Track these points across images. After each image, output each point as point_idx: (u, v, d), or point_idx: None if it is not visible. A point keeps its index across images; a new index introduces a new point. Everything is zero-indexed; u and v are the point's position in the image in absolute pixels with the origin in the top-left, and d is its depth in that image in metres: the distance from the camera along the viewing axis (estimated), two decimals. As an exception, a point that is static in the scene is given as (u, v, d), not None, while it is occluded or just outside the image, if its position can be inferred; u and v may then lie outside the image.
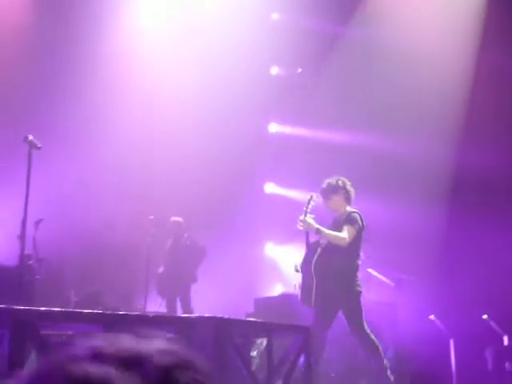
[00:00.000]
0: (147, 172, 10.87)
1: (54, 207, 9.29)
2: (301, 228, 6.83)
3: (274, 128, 12.78)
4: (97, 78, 10.56)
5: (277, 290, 10.71)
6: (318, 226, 6.75)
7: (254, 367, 5.67)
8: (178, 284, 10.18)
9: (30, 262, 7.53)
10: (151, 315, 4.84)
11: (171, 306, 10.24)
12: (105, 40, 10.77)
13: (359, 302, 6.84)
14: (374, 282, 9.82)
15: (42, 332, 4.39)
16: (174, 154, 10.88)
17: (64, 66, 10.47)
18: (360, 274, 9.77)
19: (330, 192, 7.05)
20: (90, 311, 4.62)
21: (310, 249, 6.86)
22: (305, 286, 6.81)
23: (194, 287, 10.36)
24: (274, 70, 12.65)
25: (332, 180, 7.15)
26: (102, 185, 10.65)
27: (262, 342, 5.83)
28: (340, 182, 7.13)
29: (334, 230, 6.82)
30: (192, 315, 4.84)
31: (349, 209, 7.06)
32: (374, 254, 9.91)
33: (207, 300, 10.00)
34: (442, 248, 10.40)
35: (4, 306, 4.38)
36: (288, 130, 12.55)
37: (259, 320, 6.11)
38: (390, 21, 11.28)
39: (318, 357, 6.47)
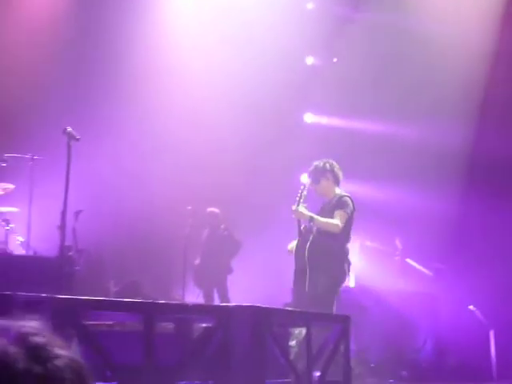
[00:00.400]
0: (184, 160, 10.90)
1: (93, 198, 9.40)
2: (294, 217, 6.81)
3: (309, 118, 12.72)
4: (132, 65, 10.63)
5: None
6: (310, 214, 6.72)
7: (292, 357, 5.66)
8: (215, 275, 10.23)
9: (70, 253, 7.62)
10: (190, 304, 4.86)
11: (208, 296, 10.29)
12: (140, 28, 10.82)
13: (336, 286, 6.79)
14: (412, 273, 9.75)
15: (83, 321, 4.44)
16: (210, 142, 10.89)
17: (99, 55, 10.56)
18: (398, 265, 9.72)
19: (318, 175, 6.97)
20: (131, 300, 4.65)
21: (303, 236, 6.82)
22: (299, 271, 6.80)
23: (231, 278, 10.39)
24: (310, 60, 12.59)
25: (319, 163, 7.05)
26: (141, 175, 10.73)
27: (301, 331, 5.82)
28: (328, 165, 7.02)
29: (324, 215, 6.77)
30: (230, 304, 4.85)
31: (338, 192, 6.96)
32: (412, 243, 9.84)
33: (244, 290, 10.02)
34: (481, 237, 10.27)
35: (45, 295, 4.44)
36: (324, 120, 12.48)
37: (298, 309, 6.10)
38: (418, 6, 11.17)
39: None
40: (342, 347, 5.52)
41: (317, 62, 12.55)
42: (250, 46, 11.14)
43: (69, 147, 6.10)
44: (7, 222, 8.34)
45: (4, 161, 8.52)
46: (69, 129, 6.14)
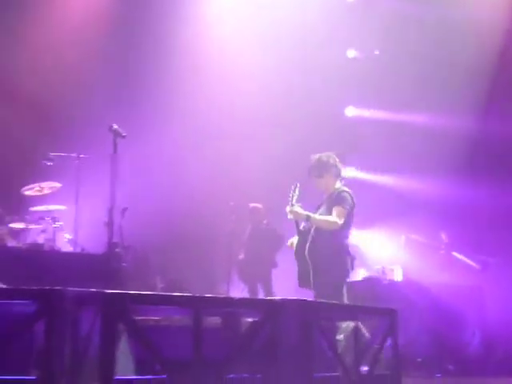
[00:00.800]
0: (226, 156, 10.94)
1: (137, 195, 9.50)
2: (290, 217, 6.66)
3: (351, 112, 12.66)
4: (175, 61, 10.68)
5: (360, 274, 10.64)
6: (307, 213, 6.58)
7: (339, 350, 5.65)
8: (259, 270, 10.26)
9: (117, 250, 7.71)
10: (237, 298, 4.89)
11: (253, 291, 10.33)
12: (182, 24, 10.87)
13: (341, 283, 6.65)
14: (459, 266, 9.64)
15: (132, 316, 4.49)
16: (251, 137, 10.89)
17: (142, 52, 10.64)
18: (444, 258, 9.61)
19: (322, 170, 6.81)
20: (179, 294, 4.69)
21: (302, 235, 6.68)
22: (302, 271, 6.65)
23: (275, 272, 10.41)
24: (351, 53, 12.52)
25: (323, 156, 6.90)
26: (184, 171, 10.80)
27: (348, 325, 5.80)
28: (331, 160, 6.88)
29: (325, 211, 6.65)
30: (277, 298, 4.86)
31: (338, 187, 6.80)
32: (459, 236, 9.73)
33: (288, 285, 10.02)
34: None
35: (95, 290, 4.50)
36: (366, 113, 12.41)
37: (344, 303, 6.08)
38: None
39: None
40: (389, 341, 5.48)
41: (358, 54, 12.47)
42: (289, 40, 11.12)
43: (115, 144, 6.17)
44: (55, 219, 8.50)
45: (50, 160, 8.67)
46: (115, 126, 6.20)
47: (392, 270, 9.27)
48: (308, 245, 6.62)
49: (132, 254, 8.65)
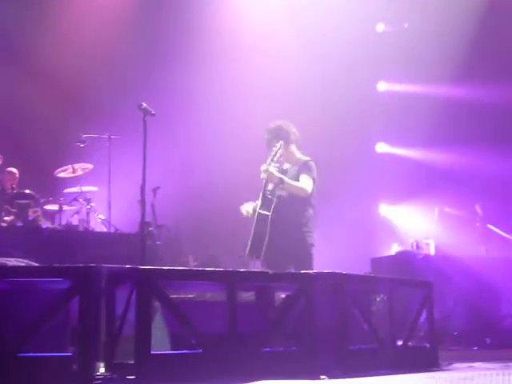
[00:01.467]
0: (257, 133, 10.87)
1: (168, 174, 9.52)
2: (263, 177, 6.36)
3: (383, 86, 12.53)
4: (206, 41, 10.60)
5: (393, 249, 10.58)
6: (280, 175, 6.35)
7: (374, 323, 5.61)
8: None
9: (150, 229, 7.76)
10: (271, 272, 4.88)
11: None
12: (213, 6, 10.81)
13: (310, 255, 6.46)
14: (494, 238, 9.53)
15: (167, 292, 4.51)
16: (283, 116, 10.80)
17: (174, 33, 10.59)
18: (479, 231, 9.49)
19: (285, 138, 6.52)
20: (213, 269, 4.70)
21: (266, 202, 6.36)
22: (256, 238, 6.32)
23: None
24: (380, 27, 12.37)
25: (283, 125, 6.62)
26: (215, 149, 10.78)
27: (383, 298, 5.75)
28: (292, 127, 6.64)
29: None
30: (311, 271, 4.85)
31: (300, 156, 6.58)
32: (494, 209, 9.61)
33: (322, 262, 9.99)
34: None
35: (129, 266, 4.53)
36: (397, 87, 12.27)
37: (379, 275, 6.04)
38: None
39: None
40: (425, 313, 5.44)
41: (387, 28, 12.31)
42: (319, 17, 11.00)
43: (144, 123, 6.17)
44: (88, 201, 8.57)
45: (82, 142, 8.73)
46: (144, 104, 6.20)
47: (426, 244, 9.19)
48: (273, 208, 6.30)
49: (165, 232, 8.70)
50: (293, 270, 5.94)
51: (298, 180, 6.41)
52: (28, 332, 4.17)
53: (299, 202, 6.41)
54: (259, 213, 6.34)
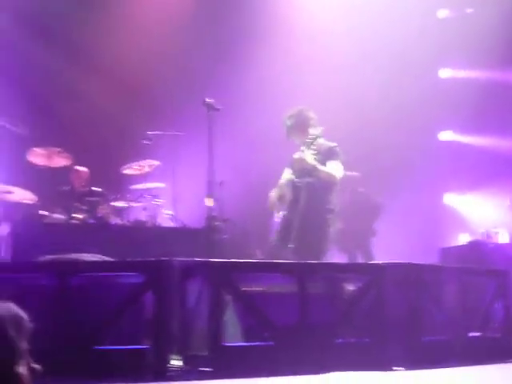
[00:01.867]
0: (322, 121, 10.80)
1: (235, 168, 9.55)
2: (297, 161, 6.22)
3: (445, 73, 12.31)
4: (269, 34, 10.53)
5: (461, 239, 10.40)
6: (314, 162, 6.16)
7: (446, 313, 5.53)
8: (359, 239, 10.17)
9: (217, 223, 7.80)
10: (343, 263, 4.87)
11: (353, 260, 10.25)
12: (280, 5, 10.77)
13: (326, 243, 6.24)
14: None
15: (238, 285, 4.55)
16: (348, 103, 10.70)
17: (241, 30, 10.57)
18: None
19: (308, 123, 6.39)
20: (284, 261, 4.71)
21: (295, 190, 6.24)
22: (284, 227, 6.21)
23: (374, 241, 10.30)
24: (442, 13, 12.15)
25: (303, 110, 6.49)
26: (280, 141, 10.73)
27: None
28: (311, 113, 6.48)
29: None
30: (382, 262, 4.80)
31: (322, 141, 6.36)
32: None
33: (388, 252, 9.90)
34: None
35: (200, 260, 4.59)
36: (461, 74, 12.03)
37: (451, 265, 5.95)
38: None
39: None
40: (499, 303, 5.33)
41: (450, 14, 12.09)
42: (380, 5, 10.87)
43: (209, 118, 6.20)
44: (155, 197, 8.67)
45: (149, 139, 8.83)
46: (208, 100, 6.23)
47: (497, 233, 9.00)
48: (305, 196, 6.15)
49: (231, 226, 8.73)
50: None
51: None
52: (104, 325, 4.27)
53: (328, 188, 6.30)
54: (290, 204, 6.26)
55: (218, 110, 6.29)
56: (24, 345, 2.16)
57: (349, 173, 10.35)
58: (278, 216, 6.45)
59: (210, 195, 6.31)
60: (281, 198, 6.44)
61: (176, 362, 4.55)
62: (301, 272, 4.53)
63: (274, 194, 6.52)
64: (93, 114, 10.33)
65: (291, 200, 6.29)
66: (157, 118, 9.91)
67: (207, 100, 6.27)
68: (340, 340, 4.70)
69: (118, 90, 10.38)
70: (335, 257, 9.93)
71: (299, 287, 4.51)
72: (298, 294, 4.53)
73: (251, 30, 10.50)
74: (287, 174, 6.54)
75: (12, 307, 2.20)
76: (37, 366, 2.20)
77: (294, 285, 4.63)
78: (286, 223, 6.24)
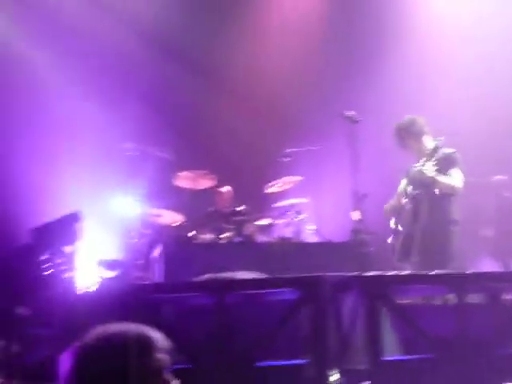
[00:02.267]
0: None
1: (377, 180, 9.44)
2: (416, 174, 6.11)
3: None
4: (403, 47, 10.35)
5: None
6: (432, 174, 5.99)
7: None
8: (510, 245, 9.79)
9: (362, 236, 7.76)
10: (499, 272, 4.71)
11: (508, 269, 9.86)
12: (412, 11, 10.58)
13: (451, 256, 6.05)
14: None
15: (393, 297, 4.50)
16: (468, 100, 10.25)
17: (371, 41, 10.44)
18: None
19: (423, 130, 6.30)
20: (441, 272, 4.63)
21: (413, 202, 6.17)
22: (405, 244, 6.23)
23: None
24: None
25: (416, 117, 6.37)
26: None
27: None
28: (423, 120, 6.35)
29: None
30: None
31: (436, 146, 6.15)
32: None
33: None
34: None
35: (353, 274, 4.58)
36: None
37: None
38: None
39: None
40: None
41: None
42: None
43: (350, 131, 6.20)
44: (299, 212, 8.75)
45: (288, 156, 8.94)
46: (347, 113, 6.23)
47: None
48: (424, 209, 6.10)
49: (376, 239, 8.65)
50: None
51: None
52: (264, 342, 4.35)
53: (449, 198, 6.17)
54: (403, 217, 6.32)
55: (357, 122, 6.28)
56: (155, 364, 2.11)
57: (496, 177, 10.01)
58: (392, 225, 6.57)
59: (356, 208, 6.31)
60: (394, 208, 6.54)
61: (334, 377, 4.55)
62: (459, 283, 4.42)
63: (388, 205, 6.66)
64: (228, 134, 10.55)
65: (410, 213, 6.27)
66: (292, 134, 9.97)
67: (346, 113, 6.27)
68: (503, 352, 4.53)
69: (253, 108, 10.56)
70: (488, 265, 9.61)
71: (458, 298, 4.40)
72: (457, 305, 4.42)
73: (384, 37, 10.35)
74: (404, 185, 6.55)
75: (135, 328, 2.15)
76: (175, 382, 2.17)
77: (450, 296, 4.53)
78: (408, 237, 6.29)
